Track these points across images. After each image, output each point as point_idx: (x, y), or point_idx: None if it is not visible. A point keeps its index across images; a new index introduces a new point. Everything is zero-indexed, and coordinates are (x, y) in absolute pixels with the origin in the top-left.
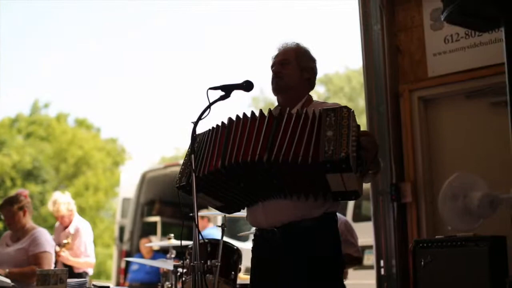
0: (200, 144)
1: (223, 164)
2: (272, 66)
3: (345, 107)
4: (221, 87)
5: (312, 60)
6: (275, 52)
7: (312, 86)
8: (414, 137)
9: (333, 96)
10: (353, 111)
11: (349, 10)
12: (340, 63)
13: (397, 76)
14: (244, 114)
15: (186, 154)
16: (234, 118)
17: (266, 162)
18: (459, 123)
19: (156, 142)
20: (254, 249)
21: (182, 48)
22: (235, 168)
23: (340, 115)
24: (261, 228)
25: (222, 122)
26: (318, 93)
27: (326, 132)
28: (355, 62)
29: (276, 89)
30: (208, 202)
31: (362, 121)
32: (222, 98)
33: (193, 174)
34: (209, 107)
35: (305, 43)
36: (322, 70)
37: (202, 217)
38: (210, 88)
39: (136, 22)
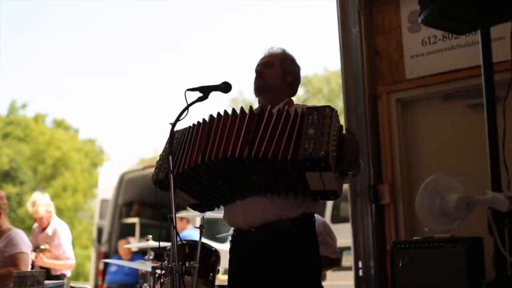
0: (180, 140)
1: (203, 159)
2: (256, 67)
3: (329, 106)
4: (199, 89)
5: (296, 66)
6: (261, 56)
7: (294, 90)
8: (392, 139)
9: (312, 98)
10: (336, 111)
11: (327, 13)
12: (319, 65)
13: (375, 78)
14: (225, 111)
15: (164, 149)
16: (215, 115)
17: (247, 157)
18: (436, 125)
19: (135, 143)
20: (231, 250)
21: (160, 48)
22: (215, 164)
23: (323, 114)
24: (239, 229)
25: (203, 119)
26: (297, 94)
27: (308, 130)
28: (334, 64)
29: (258, 88)
30: (182, 199)
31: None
32: (200, 99)
33: (171, 176)
34: (187, 108)
35: (290, 51)
36: (301, 71)
37: (181, 218)
38: (188, 90)
39: (113, 23)
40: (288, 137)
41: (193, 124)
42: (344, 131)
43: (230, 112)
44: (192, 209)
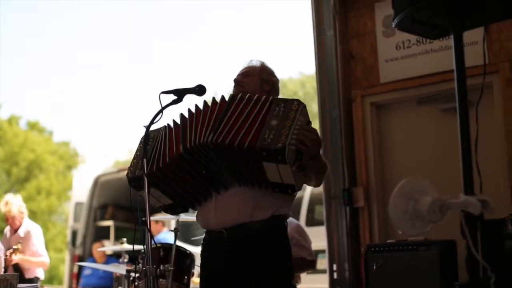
0: (156, 138)
1: (185, 147)
2: (235, 77)
3: (297, 100)
4: (174, 91)
5: (274, 76)
6: (240, 69)
7: None
8: (366, 142)
9: None
10: (304, 106)
11: (302, 16)
12: (294, 68)
13: (350, 82)
14: (205, 102)
15: (138, 147)
16: (193, 109)
17: (210, 142)
18: (410, 128)
19: (110, 146)
20: (202, 252)
21: (135, 50)
22: (192, 151)
23: (289, 107)
24: (210, 230)
25: (181, 114)
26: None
27: (271, 121)
28: (309, 68)
29: None
30: (156, 199)
31: (315, 126)
32: (174, 102)
33: (145, 178)
34: (161, 111)
35: (268, 61)
36: (276, 75)
37: (156, 221)
38: (163, 92)
39: (89, 23)
40: (250, 125)
41: (172, 122)
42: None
43: (208, 102)
44: (165, 211)
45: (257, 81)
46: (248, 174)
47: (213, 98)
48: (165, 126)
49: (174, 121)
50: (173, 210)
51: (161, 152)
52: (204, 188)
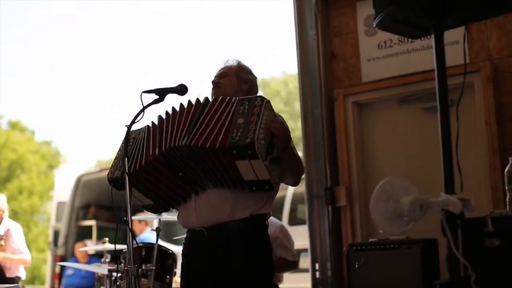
0: (136, 139)
1: (160, 151)
2: (213, 79)
3: (260, 96)
4: (155, 91)
5: (252, 75)
6: (217, 69)
7: None
8: (348, 142)
9: (270, 100)
10: (267, 101)
11: (285, 16)
12: (277, 67)
13: (332, 81)
14: (181, 104)
15: (120, 147)
16: (170, 110)
17: (185, 145)
18: (392, 127)
19: (92, 145)
20: (183, 251)
21: (118, 49)
22: (168, 155)
23: (253, 103)
24: (191, 229)
25: (159, 116)
26: None
27: (238, 119)
28: (291, 67)
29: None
30: (137, 199)
31: (298, 125)
32: (156, 101)
33: (126, 177)
34: (142, 110)
35: (246, 61)
36: (259, 74)
37: (139, 220)
38: (144, 92)
39: (69, 21)
40: (221, 126)
41: (152, 122)
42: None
43: (184, 104)
44: (146, 210)
45: (234, 81)
46: (223, 176)
47: (189, 101)
48: (146, 126)
49: (153, 122)
50: (155, 209)
51: (139, 154)
52: (182, 190)
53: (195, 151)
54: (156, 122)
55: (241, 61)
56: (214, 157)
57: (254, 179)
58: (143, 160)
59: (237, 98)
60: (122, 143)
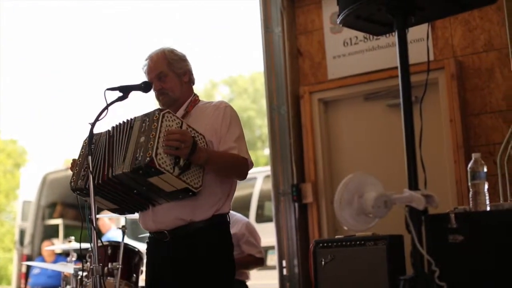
0: (96, 148)
1: (107, 177)
2: (153, 85)
3: (158, 109)
4: (119, 88)
5: (183, 60)
6: (145, 64)
7: (192, 82)
8: (314, 139)
9: (237, 97)
10: (165, 112)
11: (251, 13)
12: (244, 65)
13: (298, 78)
14: (123, 123)
15: (80, 155)
16: (116, 126)
17: (113, 178)
18: (357, 124)
19: (59, 144)
20: (147, 250)
21: (83, 47)
22: (113, 180)
23: (152, 119)
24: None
25: (109, 130)
26: (222, 94)
27: (140, 138)
28: (259, 64)
29: (165, 105)
30: (102, 204)
31: (265, 123)
32: (120, 99)
33: (90, 177)
34: (106, 108)
35: (168, 44)
36: (226, 71)
37: (110, 218)
38: (108, 89)
39: (34, 18)
40: (126, 149)
41: (108, 131)
42: (183, 127)
43: (121, 123)
44: (113, 212)
45: (175, 80)
46: (157, 192)
47: (122, 123)
48: (106, 133)
49: (108, 135)
50: (120, 212)
51: (97, 170)
52: (140, 203)
53: (122, 177)
54: (107, 137)
55: (165, 48)
56: (136, 179)
57: (174, 190)
58: (100, 178)
59: (139, 116)
60: (82, 149)
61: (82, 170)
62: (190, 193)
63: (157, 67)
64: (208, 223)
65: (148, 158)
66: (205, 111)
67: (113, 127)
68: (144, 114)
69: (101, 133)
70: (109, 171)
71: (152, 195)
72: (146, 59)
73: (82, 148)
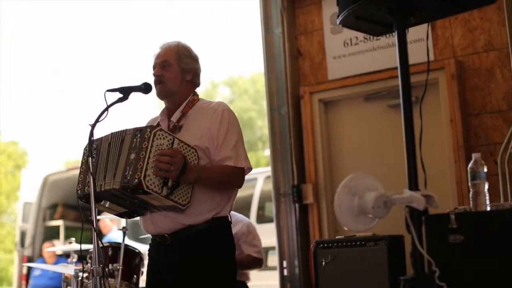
0: (97, 153)
1: (99, 190)
2: (153, 67)
3: (150, 127)
4: (119, 89)
5: (194, 60)
6: (157, 51)
7: (196, 84)
8: (314, 139)
9: (238, 98)
10: (157, 131)
11: (251, 14)
12: (245, 66)
13: (298, 79)
14: (117, 132)
15: (83, 163)
16: (112, 135)
17: (103, 192)
18: (358, 125)
19: (60, 145)
20: (149, 251)
21: (83, 48)
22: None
23: (143, 136)
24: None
25: (112, 135)
26: (223, 95)
27: (130, 155)
28: (259, 65)
29: (160, 94)
30: (110, 209)
31: (265, 123)
32: (120, 100)
33: (91, 178)
34: (106, 109)
35: (187, 42)
36: (227, 72)
37: (112, 220)
38: (108, 90)
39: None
40: (116, 165)
41: (106, 139)
42: (174, 144)
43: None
44: (121, 217)
45: (177, 73)
46: (149, 205)
47: (114, 133)
48: (106, 139)
49: (107, 144)
50: (129, 215)
51: (98, 178)
52: (139, 209)
53: (113, 191)
54: (106, 149)
55: (181, 43)
56: (126, 194)
57: (162, 205)
58: (102, 186)
59: (130, 130)
60: (84, 156)
61: (87, 177)
62: (178, 210)
63: (165, 55)
64: (209, 225)
65: (136, 180)
66: (203, 113)
67: (112, 134)
68: (135, 129)
69: (102, 138)
70: (102, 185)
71: (145, 205)
72: (160, 47)
73: (83, 156)
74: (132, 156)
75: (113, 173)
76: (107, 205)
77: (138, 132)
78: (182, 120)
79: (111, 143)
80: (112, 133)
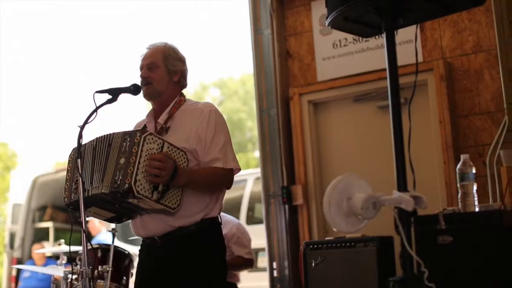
0: (81, 160)
1: (87, 195)
2: (140, 69)
3: (139, 131)
4: (108, 91)
5: (181, 61)
6: (144, 52)
7: (182, 86)
8: (304, 140)
9: (228, 100)
10: (147, 135)
11: (240, 15)
12: (235, 67)
13: (287, 80)
14: (102, 137)
15: (68, 170)
16: (97, 139)
17: (91, 197)
18: (347, 126)
19: (49, 147)
20: (140, 252)
21: (74, 49)
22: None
23: (133, 141)
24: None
25: (97, 140)
26: (212, 96)
27: (120, 159)
28: (249, 66)
29: (147, 95)
30: (99, 214)
31: (256, 124)
32: (109, 101)
33: (80, 181)
34: (95, 111)
35: (173, 42)
36: (216, 74)
37: (100, 221)
38: (97, 92)
39: (21, 20)
40: (105, 169)
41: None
42: (164, 148)
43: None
44: (110, 222)
45: (164, 74)
46: (139, 208)
47: (99, 138)
48: (91, 143)
49: (93, 148)
50: (118, 220)
51: (86, 183)
52: (129, 212)
53: (101, 196)
54: (91, 153)
55: (168, 43)
56: (115, 198)
57: (152, 208)
58: (90, 191)
59: (119, 133)
60: (69, 163)
61: (73, 183)
62: (167, 213)
63: (152, 56)
64: (198, 227)
65: (126, 185)
66: (190, 114)
67: (97, 139)
68: (124, 132)
69: (86, 144)
70: (89, 189)
71: (134, 208)
72: (147, 47)
73: (69, 163)
74: (122, 160)
75: (100, 177)
76: (95, 211)
77: (128, 136)
78: (169, 121)
79: (97, 147)
80: (97, 138)
